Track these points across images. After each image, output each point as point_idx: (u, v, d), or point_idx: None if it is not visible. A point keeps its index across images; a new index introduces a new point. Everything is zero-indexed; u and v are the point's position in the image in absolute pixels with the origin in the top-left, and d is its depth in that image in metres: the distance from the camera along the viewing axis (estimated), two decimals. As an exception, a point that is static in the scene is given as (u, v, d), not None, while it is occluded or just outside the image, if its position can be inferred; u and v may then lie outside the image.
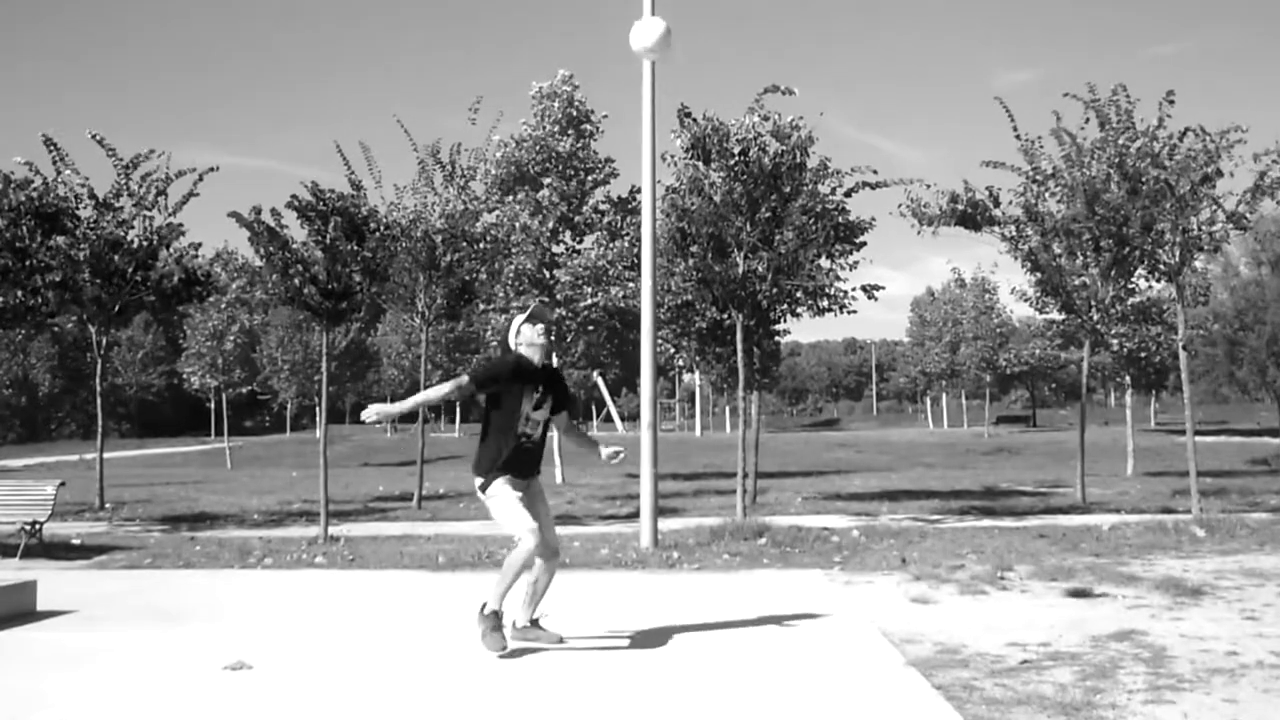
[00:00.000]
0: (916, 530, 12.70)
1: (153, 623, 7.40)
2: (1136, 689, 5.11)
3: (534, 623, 6.25)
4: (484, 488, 6.19)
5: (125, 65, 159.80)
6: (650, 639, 6.46)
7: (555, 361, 6.57)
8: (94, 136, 17.04)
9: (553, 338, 6.37)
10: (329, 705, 5.11)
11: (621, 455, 6.33)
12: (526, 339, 6.23)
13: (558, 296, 23.81)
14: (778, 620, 7.10)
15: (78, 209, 16.88)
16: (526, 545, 5.92)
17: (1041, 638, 6.36)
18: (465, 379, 6.14)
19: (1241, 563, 9.53)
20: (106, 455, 19.47)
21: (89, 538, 13.28)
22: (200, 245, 18.27)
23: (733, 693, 5.19)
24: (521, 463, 6.21)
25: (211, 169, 17.38)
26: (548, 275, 24.50)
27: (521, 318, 6.30)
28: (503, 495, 6.13)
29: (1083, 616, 7.06)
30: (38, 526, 11.58)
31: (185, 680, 5.65)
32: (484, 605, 6.09)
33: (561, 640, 6.15)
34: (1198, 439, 14.16)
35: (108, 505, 18.53)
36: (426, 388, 6.81)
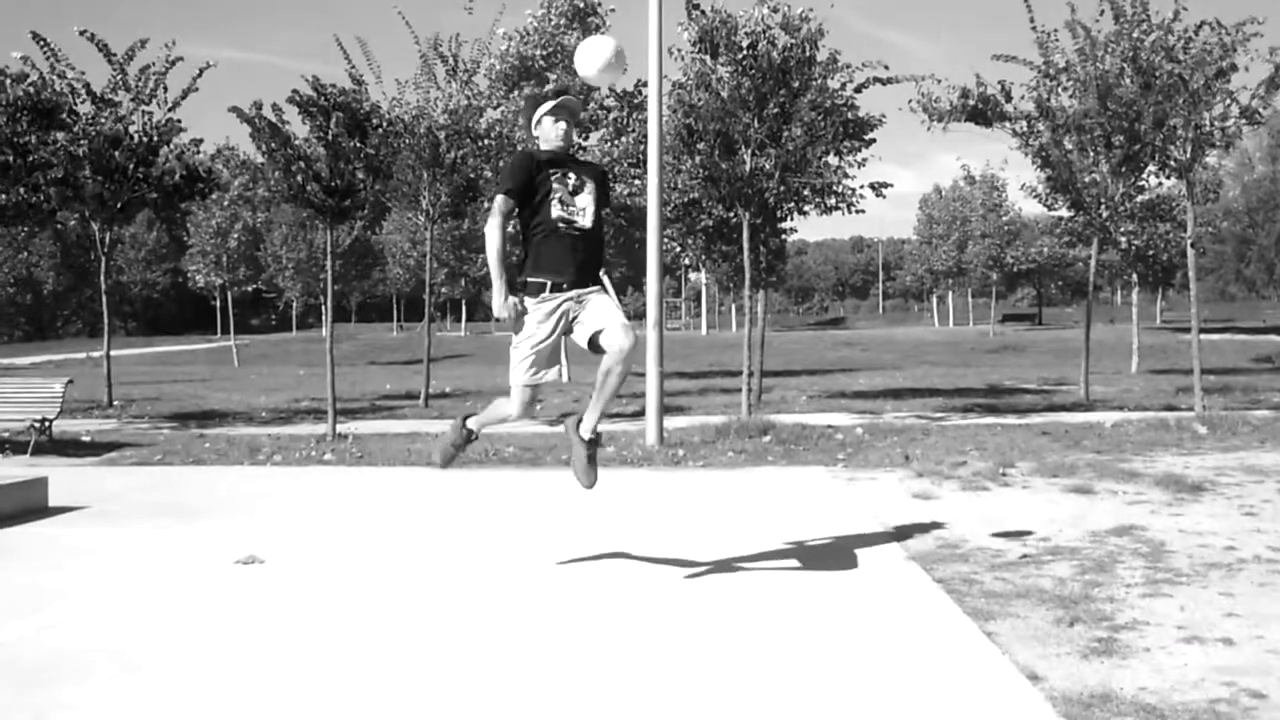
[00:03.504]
0: (920, 428, 12.78)
1: (164, 518, 7.50)
2: (1134, 583, 5.18)
3: (592, 439, 5.24)
4: (519, 310, 5.20)
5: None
6: (654, 538, 6.53)
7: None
8: (84, 33, 16.69)
9: (574, 136, 5.43)
10: (339, 598, 5.20)
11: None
12: (545, 134, 5.32)
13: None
14: (782, 516, 7.19)
15: (75, 105, 16.66)
16: (511, 406, 5.36)
17: (1041, 532, 6.43)
18: (498, 197, 5.23)
19: (1242, 459, 9.59)
20: (113, 353, 19.56)
21: (98, 435, 13.41)
22: (201, 141, 18.08)
23: (736, 588, 5.27)
24: (567, 260, 5.20)
25: (209, 65, 17.08)
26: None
27: (546, 106, 5.30)
28: (524, 329, 5.23)
29: (1083, 512, 7.13)
30: (47, 424, 11.69)
31: (197, 574, 5.75)
32: (464, 417, 5.65)
33: (590, 476, 5.19)
34: (1203, 337, 14.16)
35: (116, 403, 18.67)
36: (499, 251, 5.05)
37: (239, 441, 12.03)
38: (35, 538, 6.83)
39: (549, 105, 5.28)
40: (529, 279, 5.22)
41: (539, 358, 5.24)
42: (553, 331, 5.21)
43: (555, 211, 5.17)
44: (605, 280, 5.39)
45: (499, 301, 5.16)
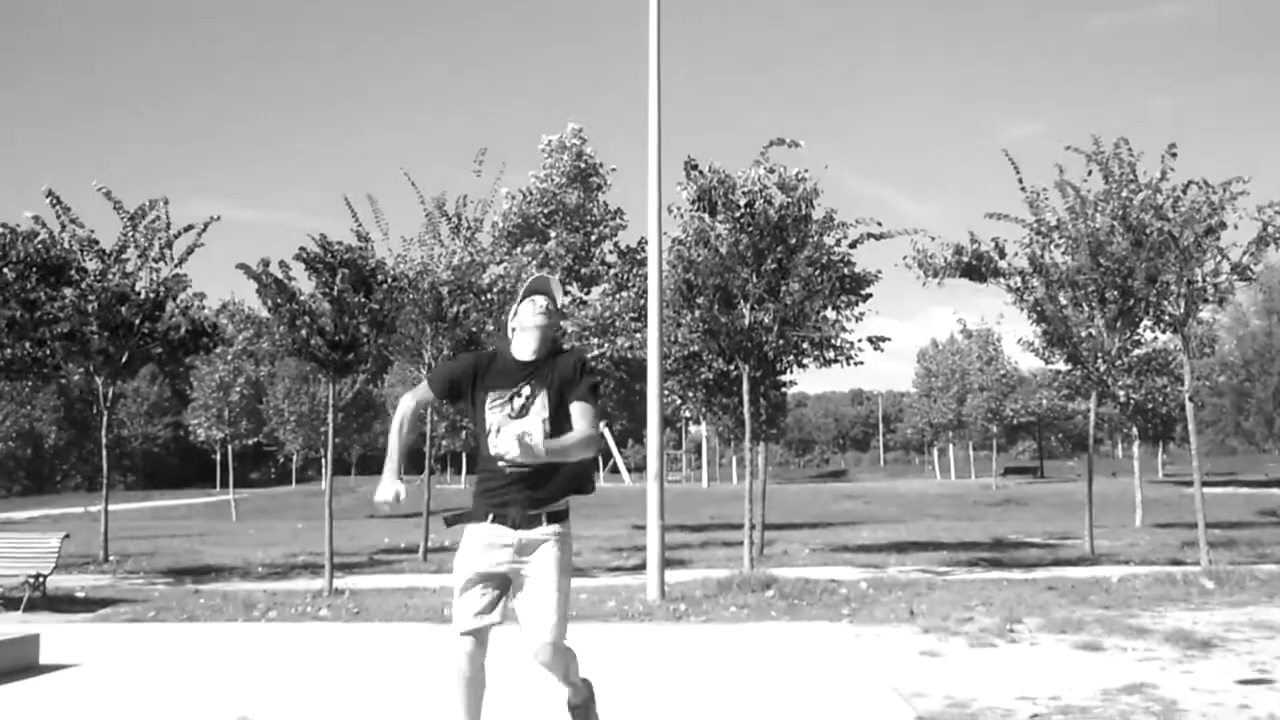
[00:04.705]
0: (925, 582, 12.61)
1: (154, 677, 7.36)
2: (1148, 743, 5.05)
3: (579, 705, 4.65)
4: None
5: (133, 119, 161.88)
6: (658, 694, 6.40)
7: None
8: (100, 189, 17.16)
9: (554, 318, 4.53)
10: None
11: (528, 438, 4.06)
12: (520, 322, 4.46)
13: (564, 347, 23.97)
14: (786, 674, 7.04)
15: (84, 262, 16.99)
16: (453, 653, 4.29)
17: (1051, 691, 6.29)
18: (423, 382, 4.58)
19: (1251, 615, 9.44)
20: (111, 507, 19.45)
21: (93, 591, 13.23)
22: (205, 296, 18.39)
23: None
24: (507, 500, 4.30)
25: (214, 218, 17.50)
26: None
27: (523, 296, 4.54)
28: (458, 562, 4.37)
29: (1092, 669, 6.99)
30: (41, 579, 11.56)
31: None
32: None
33: None
34: (1206, 491, 14.10)
35: (112, 558, 18.48)
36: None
37: (234, 597, 11.86)
38: (24, 699, 6.68)
39: (525, 293, 4.52)
40: (468, 519, 4.39)
41: (482, 591, 4.29)
42: (495, 565, 4.30)
43: (493, 448, 4.31)
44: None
45: (382, 487, 4.33)
